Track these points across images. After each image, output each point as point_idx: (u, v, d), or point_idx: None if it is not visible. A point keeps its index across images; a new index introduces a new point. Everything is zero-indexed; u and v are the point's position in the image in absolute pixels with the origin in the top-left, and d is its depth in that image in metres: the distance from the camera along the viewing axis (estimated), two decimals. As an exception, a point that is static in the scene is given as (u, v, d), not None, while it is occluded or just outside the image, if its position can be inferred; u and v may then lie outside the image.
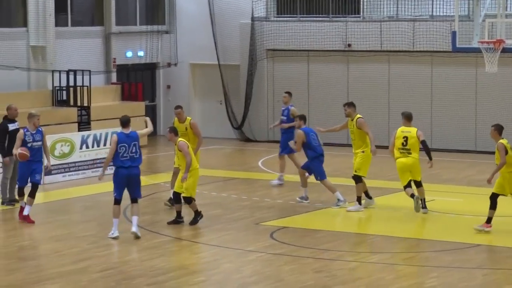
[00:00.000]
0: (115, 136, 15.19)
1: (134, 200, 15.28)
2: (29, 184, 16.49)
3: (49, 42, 25.02)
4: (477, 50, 20.26)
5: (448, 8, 24.94)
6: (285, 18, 27.49)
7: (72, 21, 26.44)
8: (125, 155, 15.03)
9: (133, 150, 15.08)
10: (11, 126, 17.61)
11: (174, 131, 15.99)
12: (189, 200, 15.93)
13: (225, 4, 27.73)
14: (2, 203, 17.84)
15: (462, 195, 19.01)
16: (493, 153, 24.15)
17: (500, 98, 24.71)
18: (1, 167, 18.36)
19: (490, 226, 15.31)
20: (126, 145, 15.03)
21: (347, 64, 26.60)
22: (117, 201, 15.19)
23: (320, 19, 26.88)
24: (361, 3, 26.57)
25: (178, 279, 12.88)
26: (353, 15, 26.66)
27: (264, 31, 27.39)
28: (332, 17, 26.80)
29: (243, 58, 27.52)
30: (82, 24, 26.93)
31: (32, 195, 16.26)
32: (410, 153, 16.60)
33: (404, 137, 16.64)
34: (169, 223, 16.07)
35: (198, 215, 16.13)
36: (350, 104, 17.67)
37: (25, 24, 25.04)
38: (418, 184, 16.80)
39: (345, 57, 26.52)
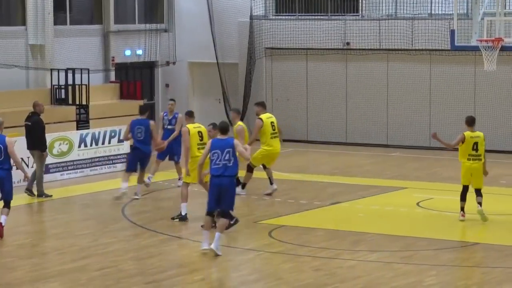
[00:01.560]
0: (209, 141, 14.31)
1: (221, 213, 13.99)
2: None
3: (48, 41, 25.00)
4: (475, 49, 20.29)
5: (447, 7, 24.94)
6: (283, 17, 27.49)
7: (71, 19, 26.42)
8: (217, 162, 13.93)
9: (226, 158, 13.93)
10: None
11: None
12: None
13: (224, 2, 27.72)
14: (39, 195, 18.35)
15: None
16: (492, 151, 24.26)
17: (499, 96, 24.72)
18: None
19: (463, 215, 15.88)
20: (219, 152, 13.91)
21: (346, 63, 26.60)
22: (209, 213, 14.10)
23: (319, 17, 26.88)
24: (360, 1, 26.57)
25: (176, 277, 12.88)
26: (352, 14, 26.66)
27: (263, 30, 27.38)
28: (331, 15, 26.81)
29: (242, 56, 27.52)
30: (81, 23, 26.90)
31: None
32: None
33: (474, 143, 16.19)
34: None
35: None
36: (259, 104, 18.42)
37: (23, 22, 25.02)
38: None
39: (343, 56, 26.52)
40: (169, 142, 19.14)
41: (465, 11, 24.11)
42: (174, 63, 28.47)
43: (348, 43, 26.39)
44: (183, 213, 16.26)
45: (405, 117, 25.76)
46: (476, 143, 16.08)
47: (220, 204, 13.94)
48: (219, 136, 14.10)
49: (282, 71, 27.37)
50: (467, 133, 15.99)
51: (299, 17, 27.21)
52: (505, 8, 21.65)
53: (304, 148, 25.49)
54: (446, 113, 25.30)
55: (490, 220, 15.79)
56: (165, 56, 28.50)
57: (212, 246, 13.77)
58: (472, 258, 13.85)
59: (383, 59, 26.02)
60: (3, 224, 14.99)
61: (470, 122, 16.15)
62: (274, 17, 27.59)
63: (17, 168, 15.47)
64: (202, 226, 14.56)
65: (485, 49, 19.88)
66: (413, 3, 25.80)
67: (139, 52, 27.97)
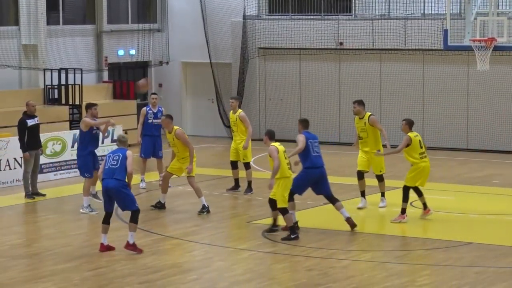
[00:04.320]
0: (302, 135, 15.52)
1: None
2: None
3: (41, 41, 24.98)
4: (468, 48, 20.30)
5: (439, 7, 24.98)
6: (277, 17, 27.50)
7: (63, 19, 26.39)
8: (313, 153, 15.39)
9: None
10: (30, 122, 18.29)
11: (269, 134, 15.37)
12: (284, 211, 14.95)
13: (217, 2, 27.72)
14: (25, 196, 18.29)
15: (453, 193, 19.05)
16: (485, 151, 24.32)
17: (491, 96, 24.76)
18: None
19: (404, 217, 15.98)
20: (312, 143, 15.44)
21: (339, 63, 26.62)
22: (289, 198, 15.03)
23: (312, 17, 26.90)
24: (353, 1, 26.60)
25: (170, 277, 12.87)
26: (345, 14, 26.68)
27: (256, 30, 27.39)
28: (324, 15, 26.83)
29: (235, 56, 27.52)
30: (74, 23, 26.88)
31: None
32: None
33: (419, 141, 16.27)
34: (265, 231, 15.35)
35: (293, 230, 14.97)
36: (360, 102, 17.44)
37: (16, 22, 24.99)
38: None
39: (337, 56, 26.54)
40: (152, 139, 19.22)
41: (458, 11, 24.15)
42: (167, 63, 28.46)
43: (341, 43, 26.41)
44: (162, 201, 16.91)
45: (398, 117, 25.68)
46: (420, 141, 16.25)
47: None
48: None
49: (275, 71, 27.38)
50: (411, 134, 16.08)
51: (292, 17, 27.22)
52: (498, 8, 21.67)
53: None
54: (439, 113, 25.34)
55: (483, 220, 15.79)
56: (158, 56, 28.49)
57: None
58: (465, 258, 13.87)
59: (376, 59, 26.05)
60: None
61: (411, 124, 16.28)
62: (267, 17, 27.60)
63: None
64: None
65: (478, 49, 19.91)
66: (406, 3, 25.84)
67: (132, 52, 27.96)
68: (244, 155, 18.76)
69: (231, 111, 19.06)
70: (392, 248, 14.59)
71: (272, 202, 14.96)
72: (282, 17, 27.35)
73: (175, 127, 16.83)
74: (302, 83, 27.11)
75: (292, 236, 14.80)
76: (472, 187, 18.97)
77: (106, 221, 14.11)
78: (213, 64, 27.82)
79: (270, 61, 27.46)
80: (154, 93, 20.38)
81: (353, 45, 26.15)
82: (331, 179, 18.06)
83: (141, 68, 28.48)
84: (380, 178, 17.16)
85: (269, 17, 27.59)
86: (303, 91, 27.07)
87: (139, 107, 27.27)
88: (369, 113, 17.27)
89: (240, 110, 18.78)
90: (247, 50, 27.45)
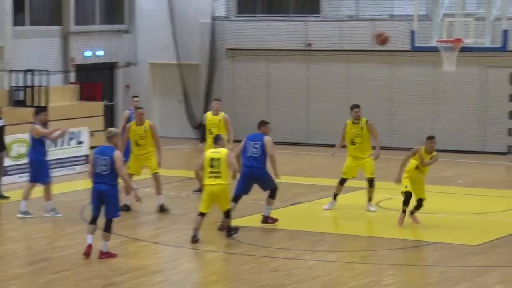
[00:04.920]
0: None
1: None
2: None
3: (7, 42, 24.75)
4: (436, 49, 20.39)
5: (407, 8, 25.06)
6: (245, 18, 27.48)
7: (30, 20, 26.18)
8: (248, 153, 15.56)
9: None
10: None
11: None
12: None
13: (185, 3, 27.65)
14: None
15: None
16: (451, 151, 24.40)
17: (459, 96, 24.90)
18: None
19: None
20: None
21: (308, 64, 26.65)
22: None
23: (281, 18, 26.91)
24: (321, 2, 26.64)
25: (136, 279, 12.80)
26: (313, 15, 26.72)
27: (225, 31, 27.35)
28: (292, 16, 26.84)
29: (203, 57, 27.47)
30: (41, 24, 26.67)
31: None
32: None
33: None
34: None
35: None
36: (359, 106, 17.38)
37: (-18, 23, 24.78)
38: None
39: (305, 57, 26.57)
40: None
41: (426, 12, 24.25)
42: (135, 64, 28.34)
43: (309, 44, 26.44)
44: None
45: (366, 117, 25.81)
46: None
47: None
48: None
49: (244, 72, 27.36)
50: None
51: (261, 18, 27.22)
52: (465, 9, 21.79)
53: (266, 149, 25.42)
54: (407, 113, 25.43)
55: (448, 220, 15.87)
56: (126, 57, 28.35)
57: None
58: (430, 257, 13.92)
59: (344, 60, 26.10)
60: None
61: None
62: (235, 18, 27.57)
63: None
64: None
65: (445, 50, 20.01)
66: (374, 4, 25.93)
67: (100, 53, 27.79)
68: None
69: (210, 113, 18.93)
70: (358, 248, 14.61)
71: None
72: (251, 18, 27.34)
73: (147, 120, 17.14)
74: (271, 84, 27.10)
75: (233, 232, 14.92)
76: (437, 187, 19.04)
77: (94, 222, 13.87)
78: (181, 65, 27.74)
79: (238, 62, 27.43)
80: (136, 96, 20.12)
81: (321, 46, 26.18)
82: (298, 180, 18.07)
83: (108, 69, 28.32)
84: (371, 183, 17.01)
85: (238, 18, 27.57)
86: (272, 92, 27.06)
87: (107, 109, 27.22)
88: (366, 118, 17.22)
89: (223, 112, 18.83)
90: (216, 51, 27.40)
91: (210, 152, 14.69)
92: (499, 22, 20.40)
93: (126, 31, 28.46)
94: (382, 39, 18.02)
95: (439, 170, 21.08)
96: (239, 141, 16.37)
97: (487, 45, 20.34)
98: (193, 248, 14.55)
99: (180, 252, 14.43)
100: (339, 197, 17.32)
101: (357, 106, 17.32)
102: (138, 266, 13.58)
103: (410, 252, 14.20)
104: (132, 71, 28.46)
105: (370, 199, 16.99)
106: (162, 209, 16.98)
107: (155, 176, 17.11)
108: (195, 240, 14.67)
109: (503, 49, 20.51)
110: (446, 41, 20.03)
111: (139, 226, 16.10)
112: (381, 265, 13.56)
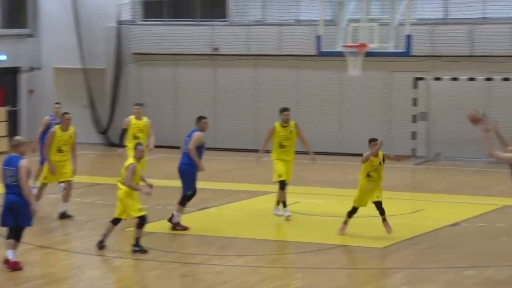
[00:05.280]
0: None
1: None
2: None
3: None
4: (341, 54, 20.63)
5: (313, 13, 25.30)
6: (151, 22, 27.34)
7: None
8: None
9: None
10: None
11: None
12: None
13: (91, 7, 27.36)
14: None
15: (325, 197, 19.32)
16: (357, 155, 24.65)
17: (364, 100, 25.26)
18: None
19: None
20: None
21: (215, 68, 26.66)
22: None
23: (187, 23, 26.85)
24: (228, 7, 26.69)
25: (42, 287, 12.57)
26: (220, 20, 26.74)
27: (131, 35, 27.16)
28: (199, 21, 26.82)
29: (109, 62, 27.21)
30: None
31: None
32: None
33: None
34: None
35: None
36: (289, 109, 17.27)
37: None
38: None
39: (212, 61, 26.58)
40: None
41: (331, 17, 24.53)
42: (39, 68, 27.89)
43: (216, 49, 26.45)
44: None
45: (273, 121, 25.96)
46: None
47: None
48: None
49: (151, 76, 27.21)
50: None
51: (167, 22, 27.11)
52: (369, 15, 22.10)
53: (173, 154, 25.27)
54: (313, 117, 25.66)
55: (354, 223, 16.03)
56: (30, 62, 27.88)
57: None
58: (337, 261, 14.06)
59: (251, 64, 26.21)
60: None
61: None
62: (141, 22, 27.39)
63: None
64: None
65: (350, 55, 20.26)
66: (280, 9, 26.11)
67: (2, 57, 27.26)
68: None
69: (133, 117, 18.78)
70: (265, 252, 14.65)
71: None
72: (157, 22, 27.21)
73: (71, 126, 17.05)
74: (178, 89, 27.02)
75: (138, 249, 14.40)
76: (344, 191, 19.24)
77: (12, 235, 13.41)
78: (86, 70, 27.42)
79: (145, 67, 27.26)
80: (58, 103, 19.87)
81: (228, 51, 26.22)
82: (206, 185, 18.01)
83: (11, 74, 27.80)
84: (283, 186, 16.93)
85: (144, 22, 27.40)
86: (179, 97, 26.98)
87: (10, 114, 26.67)
88: (294, 122, 17.18)
89: (146, 117, 18.87)
90: (122, 56, 27.18)
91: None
92: (402, 27, 20.75)
93: (30, 35, 27.98)
94: (474, 120, 17.23)
95: (346, 175, 21.34)
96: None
97: (391, 49, 20.65)
98: (100, 254, 14.37)
99: (86, 259, 14.25)
100: (245, 202, 17.34)
101: (287, 109, 17.24)
102: (43, 273, 13.36)
103: (317, 255, 14.31)
104: (36, 76, 28.00)
105: (278, 202, 17.01)
106: (64, 216, 16.75)
107: (69, 184, 16.85)
108: (101, 246, 14.47)
109: (406, 53, 20.86)
110: (351, 46, 20.27)
111: (43, 233, 15.81)
112: (289, 268, 13.64)
